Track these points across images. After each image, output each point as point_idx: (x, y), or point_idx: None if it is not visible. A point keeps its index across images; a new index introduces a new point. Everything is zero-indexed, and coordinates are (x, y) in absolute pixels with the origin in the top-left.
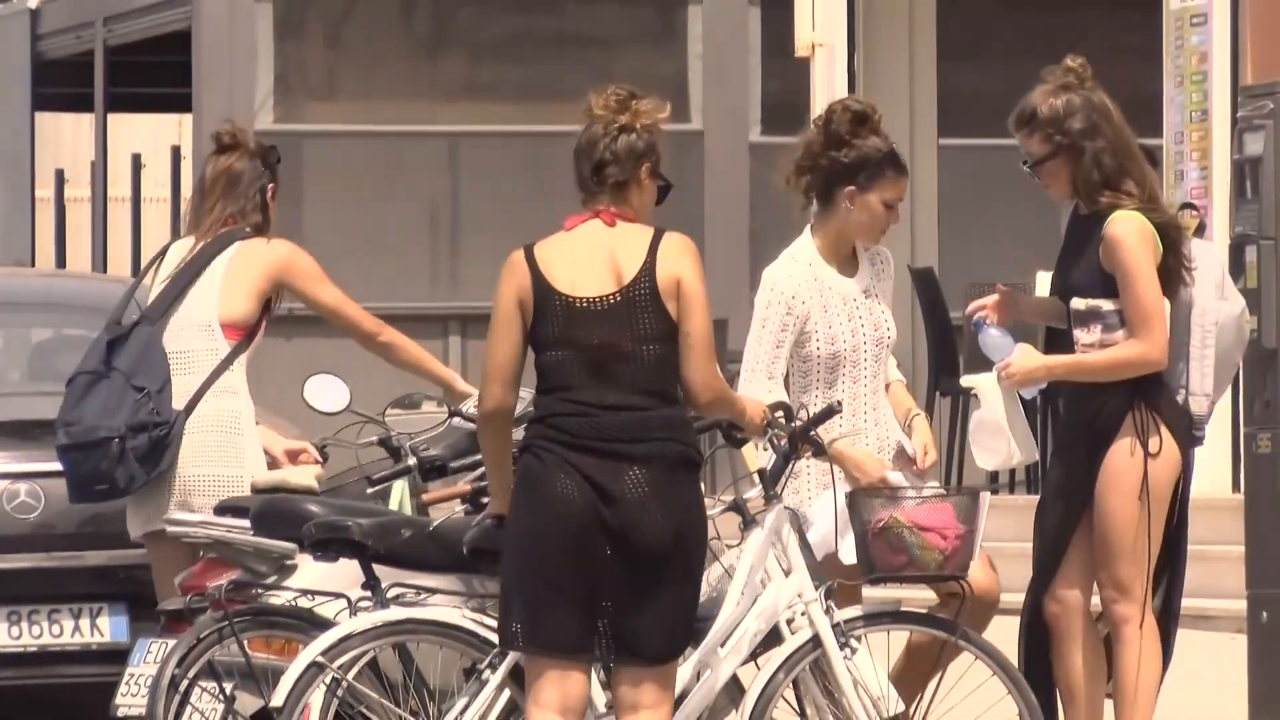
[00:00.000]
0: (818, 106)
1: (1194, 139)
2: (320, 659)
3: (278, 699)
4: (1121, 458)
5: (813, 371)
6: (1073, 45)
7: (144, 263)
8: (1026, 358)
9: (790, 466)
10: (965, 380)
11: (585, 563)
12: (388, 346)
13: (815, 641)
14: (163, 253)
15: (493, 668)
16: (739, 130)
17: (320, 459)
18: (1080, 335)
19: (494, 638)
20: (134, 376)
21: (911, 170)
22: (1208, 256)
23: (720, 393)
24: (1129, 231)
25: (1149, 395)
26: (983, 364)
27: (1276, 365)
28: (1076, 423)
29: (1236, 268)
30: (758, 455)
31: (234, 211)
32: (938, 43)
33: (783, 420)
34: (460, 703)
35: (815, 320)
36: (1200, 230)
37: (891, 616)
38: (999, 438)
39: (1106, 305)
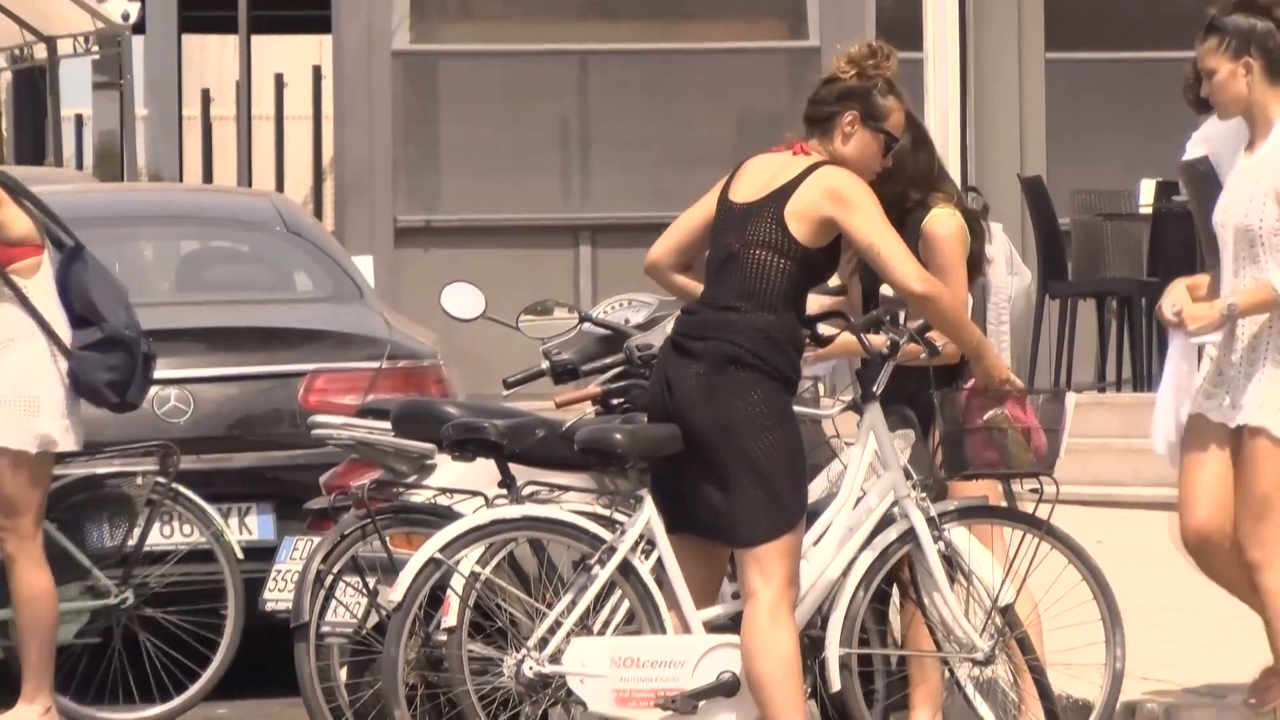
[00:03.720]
0: (929, 22)
1: None
2: (438, 555)
3: (396, 594)
4: None
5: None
6: None
7: (287, 178)
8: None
9: (888, 368)
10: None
11: None
12: None
13: (910, 534)
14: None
15: (601, 563)
16: None
17: None
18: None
19: (602, 532)
20: None
21: (1020, 83)
22: (998, 237)
23: (932, 291)
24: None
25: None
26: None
27: None
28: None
29: None
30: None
31: None
32: None
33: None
34: (568, 597)
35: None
36: (986, 211)
37: (982, 511)
38: None
39: None
